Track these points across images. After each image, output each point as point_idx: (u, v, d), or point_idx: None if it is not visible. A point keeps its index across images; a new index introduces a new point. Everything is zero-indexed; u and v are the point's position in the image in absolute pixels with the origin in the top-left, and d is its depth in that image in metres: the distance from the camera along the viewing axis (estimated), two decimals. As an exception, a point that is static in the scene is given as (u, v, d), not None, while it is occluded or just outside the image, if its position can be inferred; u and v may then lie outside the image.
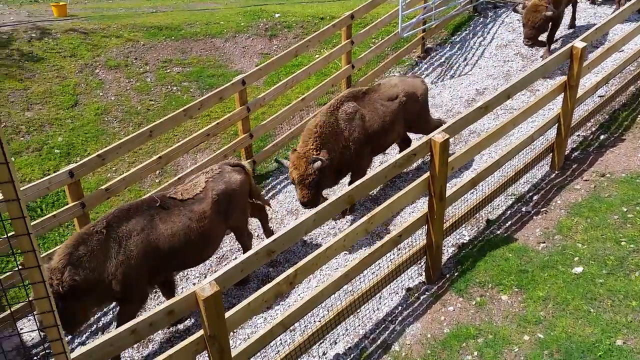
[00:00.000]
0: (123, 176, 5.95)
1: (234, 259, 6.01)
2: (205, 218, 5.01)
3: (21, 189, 4.88)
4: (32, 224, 5.11)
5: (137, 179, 6.23)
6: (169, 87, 8.72)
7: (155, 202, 4.90)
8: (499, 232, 5.48)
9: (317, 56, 9.32)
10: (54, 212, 5.29)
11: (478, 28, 10.57)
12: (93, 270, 4.43)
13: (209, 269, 6.01)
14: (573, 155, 6.32)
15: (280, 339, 4.42)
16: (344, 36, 8.21)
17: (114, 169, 7.09)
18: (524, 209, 5.72)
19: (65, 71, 8.48)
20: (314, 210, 4.08)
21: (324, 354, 4.58)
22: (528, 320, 4.23)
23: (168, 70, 9.05)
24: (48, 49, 8.81)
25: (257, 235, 6.37)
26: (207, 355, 3.57)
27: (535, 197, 5.86)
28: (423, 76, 9.52)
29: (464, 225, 5.55)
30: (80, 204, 5.37)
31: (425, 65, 9.86)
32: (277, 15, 10.88)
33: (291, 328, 4.61)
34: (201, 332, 3.51)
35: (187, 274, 5.98)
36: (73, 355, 3.05)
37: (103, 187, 5.78)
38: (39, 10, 11.22)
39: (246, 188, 5.50)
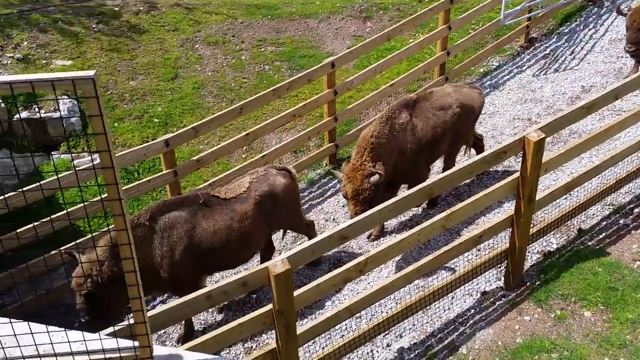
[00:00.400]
0: (213, 149, 6.25)
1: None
2: (246, 219, 4.93)
3: (121, 153, 5.31)
4: (128, 186, 5.54)
5: (226, 153, 6.50)
6: (262, 65, 8.92)
7: (198, 199, 4.88)
8: (590, 243, 5.09)
9: (411, 41, 9.07)
10: (149, 177, 5.70)
11: (591, 19, 9.73)
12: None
13: (283, 247, 6.15)
14: (687, 167, 5.67)
15: (346, 325, 4.44)
16: (441, 21, 7.91)
17: (206, 141, 7.42)
18: (622, 222, 5.26)
19: (167, 44, 8.94)
20: (391, 200, 4.02)
21: (388, 345, 4.55)
22: (611, 342, 3.91)
23: (262, 49, 9.25)
24: (153, 22, 9.32)
25: (333, 219, 6.40)
26: (274, 329, 3.69)
27: (636, 210, 5.36)
28: (524, 68, 8.98)
29: (552, 232, 5.20)
30: (173, 172, 5.71)
31: (528, 56, 9.27)
32: (374, -4, 10.70)
33: (358, 315, 4.62)
34: (270, 306, 3.62)
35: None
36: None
37: (194, 158, 6.11)
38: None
39: (291, 190, 5.32)
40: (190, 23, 9.49)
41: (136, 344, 1.93)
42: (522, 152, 4.34)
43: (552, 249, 5.13)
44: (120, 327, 3.02)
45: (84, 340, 1.90)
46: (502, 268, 4.86)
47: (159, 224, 4.65)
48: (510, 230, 4.65)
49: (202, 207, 4.84)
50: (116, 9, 9.46)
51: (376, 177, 5.17)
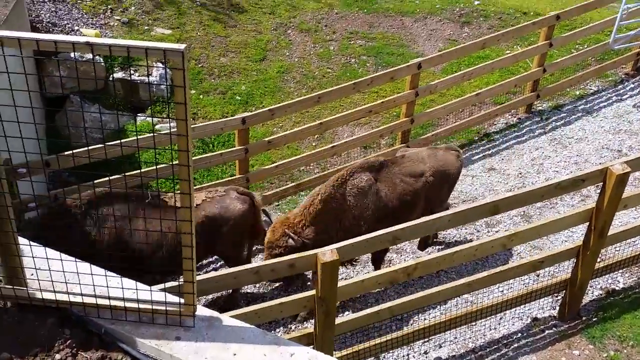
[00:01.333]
0: (285, 133, 6.41)
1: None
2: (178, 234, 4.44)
3: (200, 125, 5.59)
4: (201, 157, 5.82)
5: (297, 138, 6.65)
6: (348, 58, 8.98)
7: (145, 197, 4.63)
8: (662, 290, 4.72)
9: (507, 52, 8.75)
10: (222, 151, 5.94)
11: None
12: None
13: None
14: None
15: (385, 324, 4.44)
16: (543, 36, 7.55)
17: (280, 124, 7.61)
18: (703, 274, 4.82)
19: (262, 27, 9.23)
20: (451, 211, 3.96)
21: (425, 352, 4.49)
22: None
23: (352, 42, 9.30)
24: (253, 3, 9.64)
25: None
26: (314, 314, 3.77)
27: None
28: (625, 96, 8.38)
29: (621, 271, 4.88)
30: (244, 149, 5.92)
31: (632, 85, 8.64)
32: (476, 2, 10.39)
33: (399, 318, 4.60)
34: (314, 291, 3.70)
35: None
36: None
37: (267, 139, 6.30)
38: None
39: (244, 219, 4.87)
40: (287, 8, 9.73)
41: (182, 300, 2.06)
42: (602, 183, 4.10)
43: (617, 288, 4.83)
44: (171, 285, 3.21)
45: (137, 289, 2.05)
46: (558, 297, 4.64)
47: (95, 211, 4.42)
48: (575, 260, 4.42)
49: (144, 205, 4.53)
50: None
51: (291, 242, 4.75)
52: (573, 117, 7.92)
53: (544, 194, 4.19)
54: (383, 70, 7.88)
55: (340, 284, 3.72)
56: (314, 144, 7.41)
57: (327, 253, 3.55)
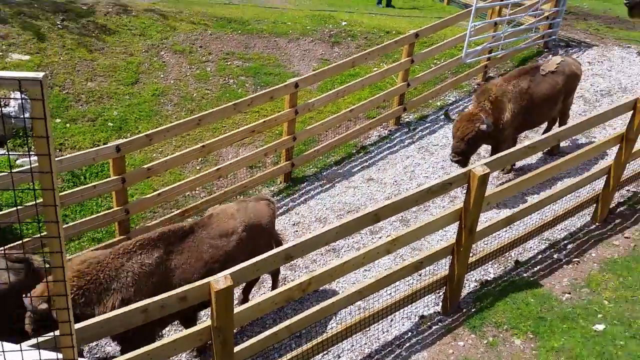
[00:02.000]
0: (166, 159, 6.16)
1: (257, 255, 6.13)
2: None
3: (69, 156, 5.18)
4: (72, 190, 5.39)
5: (179, 163, 6.45)
6: (227, 79, 8.96)
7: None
8: (525, 275, 5.33)
9: (375, 69, 9.34)
10: (95, 183, 5.53)
11: (544, 64, 10.28)
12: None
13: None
14: (618, 210, 6.05)
15: (284, 343, 4.46)
16: (405, 53, 8.19)
17: (160, 149, 7.35)
18: (555, 256, 5.53)
19: (132, 49, 8.88)
20: (337, 223, 4.11)
21: (325, 365, 4.58)
22: (538, 371, 4.10)
23: (229, 63, 9.30)
24: (121, 25, 9.24)
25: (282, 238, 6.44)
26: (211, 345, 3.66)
27: (570, 246, 5.65)
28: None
29: (490, 262, 5.42)
30: (121, 179, 5.60)
31: (483, 94, 9.67)
32: (343, 23, 10.98)
33: (298, 335, 4.64)
34: (208, 322, 3.60)
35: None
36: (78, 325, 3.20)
37: (145, 166, 6.01)
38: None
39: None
40: (158, 29, 9.47)
41: (60, 356, 1.89)
42: (467, 184, 4.53)
43: (489, 278, 5.34)
44: (45, 338, 2.90)
45: (3, 352, 1.85)
46: (440, 293, 5.01)
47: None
48: (451, 258, 4.82)
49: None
50: (85, 7, 9.34)
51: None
52: (436, 126, 8.66)
53: (418, 199, 4.51)
54: (262, 90, 7.98)
55: (235, 310, 3.67)
56: (197, 168, 7.26)
57: (221, 280, 3.48)
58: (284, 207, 6.83)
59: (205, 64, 9.16)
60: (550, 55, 10.08)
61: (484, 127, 6.23)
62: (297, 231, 6.36)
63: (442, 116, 8.98)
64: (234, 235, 4.63)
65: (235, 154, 7.51)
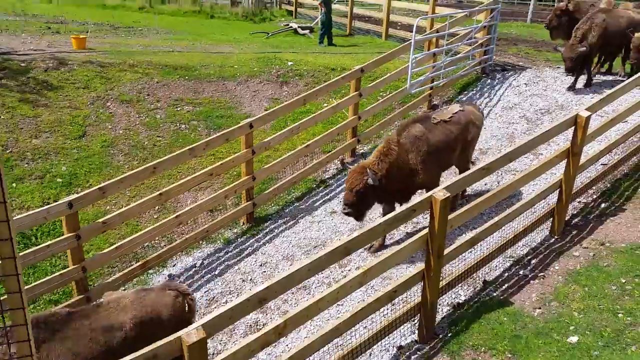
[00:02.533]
0: (121, 211, 5.95)
1: (223, 302, 5.95)
2: None
3: (18, 217, 4.91)
4: (23, 253, 5.08)
5: (136, 213, 6.24)
6: (178, 124, 8.85)
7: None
8: (495, 294, 5.39)
9: (325, 105, 9.49)
10: (48, 243, 5.25)
11: (485, 89, 10.79)
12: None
13: (197, 311, 5.90)
14: (573, 222, 6.29)
15: (265, 391, 4.27)
16: (353, 88, 8.39)
17: (113, 202, 7.10)
18: (521, 272, 5.65)
19: (77, 102, 8.64)
20: (308, 260, 4.05)
21: (308, 409, 4.41)
22: (520, 390, 4.10)
23: (178, 109, 9.21)
24: (63, 79, 9.01)
25: (250, 279, 6.29)
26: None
27: (533, 261, 5.79)
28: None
29: (460, 285, 5.47)
30: (76, 236, 5.34)
31: (431, 121, 9.99)
32: (290, 63, 11.17)
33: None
34: (182, 376, 3.40)
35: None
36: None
37: (100, 220, 5.78)
38: (59, 42, 11.57)
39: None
40: (102, 81, 9.29)
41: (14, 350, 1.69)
42: (429, 209, 4.59)
43: (460, 301, 5.37)
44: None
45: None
46: (415, 321, 4.99)
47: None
48: (422, 284, 4.82)
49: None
50: (23, 64, 9.07)
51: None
52: (392, 155, 8.82)
53: (385, 228, 4.54)
54: (215, 132, 7.93)
55: (211, 362, 3.50)
56: (155, 217, 7.04)
57: (192, 333, 3.32)
58: (249, 248, 6.70)
59: (155, 112, 9.02)
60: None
61: (370, 181, 5.84)
62: (265, 272, 6.23)
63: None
64: (120, 331, 3.96)
65: (194, 198, 7.36)
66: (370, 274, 4.41)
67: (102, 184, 5.68)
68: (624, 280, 4.98)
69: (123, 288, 6.04)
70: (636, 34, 9.24)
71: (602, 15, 9.67)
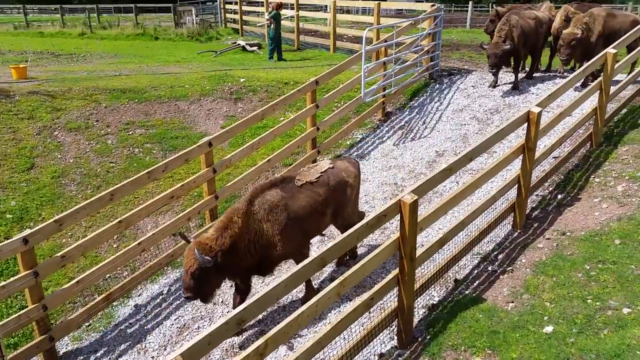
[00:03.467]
0: (79, 242, 5.63)
1: (196, 329, 5.75)
2: None
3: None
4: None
5: (95, 244, 5.95)
6: (131, 149, 8.58)
7: None
8: (467, 292, 5.47)
9: (282, 119, 9.46)
10: (3, 283, 4.92)
11: (434, 94, 11.07)
12: None
13: (169, 340, 5.68)
14: (533, 215, 6.50)
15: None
16: (309, 100, 8.41)
17: (69, 233, 6.77)
18: (490, 268, 5.76)
19: (22, 133, 8.24)
20: (285, 275, 3.97)
21: None
22: (504, 384, 4.15)
23: (130, 132, 8.94)
24: (5, 111, 8.58)
25: (222, 302, 6.12)
26: None
27: (500, 256, 5.92)
28: (385, 138, 9.78)
29: (433, 286, 5.51)
30: (33, 273, 5.03)
31: (387, 128, 10.15)
32: (242, 79, 11.09)
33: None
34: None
35: (145, 346, 5.62)
36: None
37: (59, 254, 5.47)
38: (-4, 72, 11.04)
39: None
40: (47, 110, 8.91)
41: None
42: (399, 214, 4.61)
43: (435, 302, 5.41)
44: None
45: None
46: (393, 327, 4.98)
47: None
48: (397, 289, 4.83)
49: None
50: (-43, 97, 8.59)
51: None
52: (352, 164, 8.87)
53: (359, 236, 4.52)
54: (171, 154, 7.74)
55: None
56: (115, 246, 6.76)
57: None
58: (217, 270, 6.51)
59: (105, 137, 8.72)
60: (320, 159, 8.77)
61: (204, 263, 4.86)
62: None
63: (355, 154, 9.26)
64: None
65: (155, 223, 7.12)
66: (347, 283, 4.37)
67: (58, 216, 5.38)
68: (588, 267, 5.16)
69: (87, 323, 5.75)
70: (565, 31, 9.77)
71: (515, 16, 10.28)
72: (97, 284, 6.12)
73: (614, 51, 7.43)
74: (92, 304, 5.72)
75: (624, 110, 8.77)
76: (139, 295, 6.32)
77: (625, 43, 8.26)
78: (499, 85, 10.90)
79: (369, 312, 5.16)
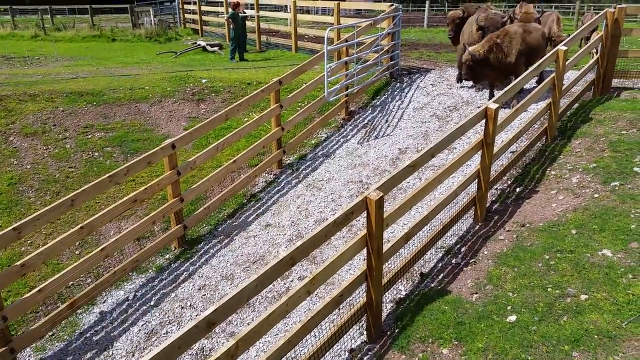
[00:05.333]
0: (40, 250, 5.47)
1: (164, 334, 5.67)
2: None
3: None
4: None
5: (57, 251, 5.78)
6: (91, 153, 8.37)
7: None
8: (433, 285, 5.60)
9: (245, 119, 9.42)
10: (-41, 295, 4.74)
11: (396, 92, 11.24)
12: None
13: (136, 346, 5.58)
14: (494, 208, 6.71)
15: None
16: (273, 100, 8.40)
17: (29, 241, 6.55)
18: (454, 261, 5.92)
19: (-27, 139, 7.92)
20: (254, 276, 3.97)
21: None
22: (470, 373, 4.27)
23: (89, 136, 8.71)
24: (-46, 116, 8.23)
25: (190, 305, 6.06)
26: None
27: (463, 249, 6.09)
28: (349, 137, 9.88)
29: (400, 280, 5.62)
30: (-9, 283, 4.86)
31: (350, 127, 10.25)
32: (204, 80, 10.97)
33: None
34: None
35: (112, 353, 5.51)
36: None
37: (18, 263, 5.29)
38: (-57, 76, 10.55)
39: None
40: (1, 115, 8.59)
41: None
42: (366, 210, 4.69)
43: (402, 296, 5.52)
44: None
45: None
46: (363, 322, 5.05)
47: None
48: (365, 284, 4.90)
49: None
50: None
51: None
52: (317, 162, 8.94)
53: (327, 234, 4.56)
54: (133, 157, 7.59)
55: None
56: (77, 252, 6.58)
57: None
58: (185, 272, 6.45)
59: (64, 142, 8.47)
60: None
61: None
62: (205, 295, 6.02)
63: (320, 153, 9.31)
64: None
65: (117, 229, 6.97)
66: (317, 281, 4.41)
67: (17, 224, 5.20)
68: (547, 257, 5.37)
69: (51, 333, 5.59)
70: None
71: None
72: (59, 292, 5.96)
73: (565, 48, 7.74)
74: (55, 312, 5.56)
75: (576, 105, 9.15)
76: (103, 302, 6.18)
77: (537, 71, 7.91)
78: (456, 84, 11.17)
79: (339, 309, 5.22)
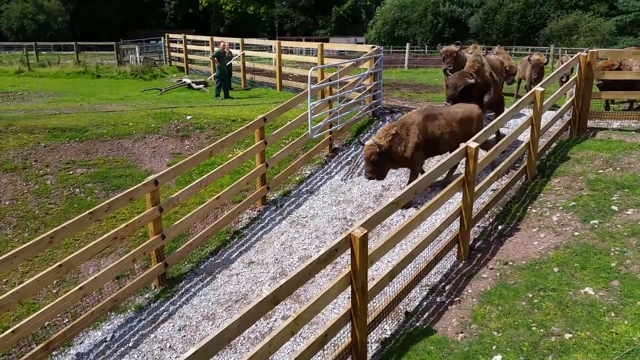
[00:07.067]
0: (16, 289, 5.32)
1: (143, 375, 5.48)
2: None
3: None
4: None
5: (33, 290, 5.63)
6: (72, 189, 8.26)
7: None
8: (418, 324, 5.55)
9: (230, 156, 9.43)
10: None
11: (379, 130, 11.40)
12: None
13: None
14: (476, 245, 6.74)
15: None
16: (258, 137, 8.46)
17: (4, 280, 6.37)
18: (438, 299, 5.89)
19: (-49, 174, 7.78)
20: (237, 315, 3.90)
21: None
22: (457, 415, 4.19)
23: (71, 172, 8.62)
24: None
25: (170, 347, 5.89)
26: None
27: (447, 287, 6.07)
28: (333, 174, 9.94)
29: (385, 319, 5.56)
30: (-38, 324, 4.68)
31: (334, 164, 10.32)
32: (188, 117, 11.02)
33: None
34: None
35: (88, 396, 5.28)
36: None
37: (-8, 302, 5.13)
38: None
39: None
40: (-20, 149, 8.47)
41: None
42: (350, 248, 4.67)
43: (387, 336, 5.45)
44: None
45: None
46: (348, 364, 4.95)
47: None
48: (350, 324, 4.83)
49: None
50: None
51: None
52: (301, 199, 8.94)
53: (311, 271, 4.52)
54: (114, 194, 7.51)
55: None
56: (54, 291, 6.40)
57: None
58: (165, 312, 6.30)
59: (44, 178, 8.37)
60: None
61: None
62: (185, 336, 5.86)
63: (304, 190, 9.32)
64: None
65: (97, 267, 6.82)
66: (301, 321, 4.34)
67: (-8, 262, 5.07)
68: (531, 295, 5.39)
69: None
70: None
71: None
72: (34, 332, 5.75)
73: (542, 89, 8.00)
74: (29, 354, 5.35)
75: (554, 145, 9.38)
76: (80, 344, 5.98)
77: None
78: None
79: (323, 350, 5.12)
